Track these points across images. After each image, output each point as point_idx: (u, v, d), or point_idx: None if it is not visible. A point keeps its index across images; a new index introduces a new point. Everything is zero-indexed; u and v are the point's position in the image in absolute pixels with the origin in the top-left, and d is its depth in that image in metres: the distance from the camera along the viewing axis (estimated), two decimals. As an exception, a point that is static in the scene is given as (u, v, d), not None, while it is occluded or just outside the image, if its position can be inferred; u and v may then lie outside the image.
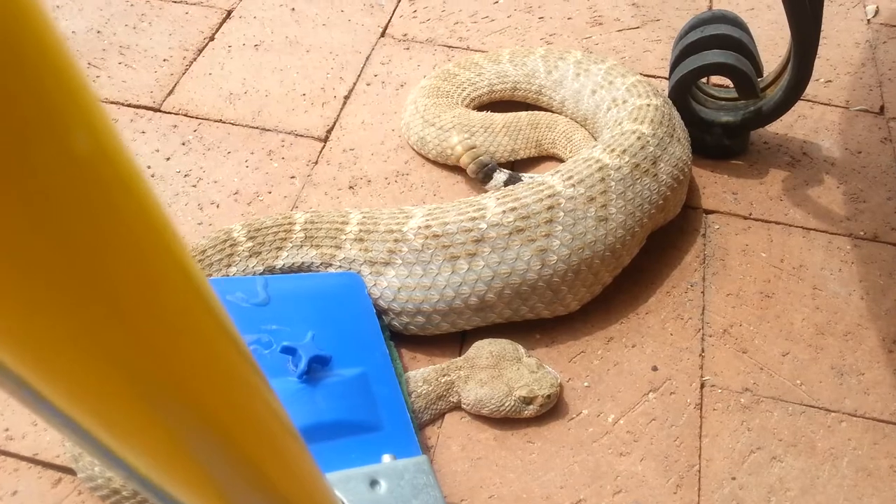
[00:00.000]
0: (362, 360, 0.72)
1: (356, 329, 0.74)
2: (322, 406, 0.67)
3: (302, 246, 0.78)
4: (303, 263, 0.78)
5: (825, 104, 1.08)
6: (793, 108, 0.94)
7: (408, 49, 1.12)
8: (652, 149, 0.82)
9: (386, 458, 0.65)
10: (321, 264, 0.78)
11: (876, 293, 0.87)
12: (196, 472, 0.32)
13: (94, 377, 0.24)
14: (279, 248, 0.78)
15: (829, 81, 1.11)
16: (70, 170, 0.20)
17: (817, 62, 0.90)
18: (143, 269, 0.24)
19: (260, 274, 0.77)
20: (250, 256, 0.77)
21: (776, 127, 1.03)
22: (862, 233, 0.92)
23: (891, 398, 0.78)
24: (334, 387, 0.68)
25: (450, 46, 1.12)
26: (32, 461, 0.71)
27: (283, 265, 0.78)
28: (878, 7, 1.22)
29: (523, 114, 0.97)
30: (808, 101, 1.08)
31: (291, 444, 0.38)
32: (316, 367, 0.68)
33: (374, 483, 0.61)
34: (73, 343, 0.22)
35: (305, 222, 0.79)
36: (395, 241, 0.76)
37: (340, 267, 0.77)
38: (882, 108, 1.08)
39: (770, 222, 0.93)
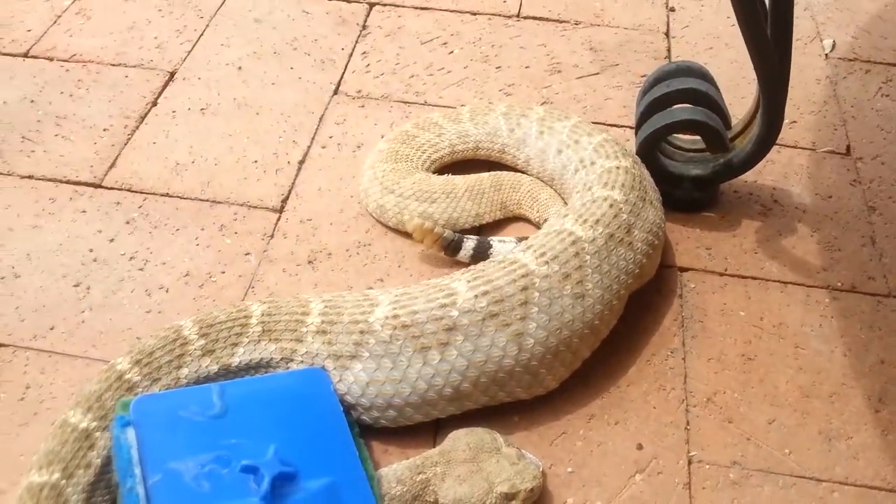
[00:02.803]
0: (331, 467, 0.66)
1: (323, 432, 0.69)
2: (288, 528, 0.62)
3: (259, 341, 0.73)
4: (261, 360, 0.73)
5: (792, 147, 1.06)
6: (760, 153, 0.92)
7: (363, 107, 1.08)
8: (625, 216, 0.79)
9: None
10: (281, 360, 0.73)
11: (858, 348, 0.84)
12: None
13: None
14: (234, 345, 0.73)
15: (794, 122, 1.09)
16: None
17: (781, 104, 0.88)
18: None
19: (214, 374, 0.72)
20: (203, 356, 0.72)
21: (745, 174, 1.01)
22: (839, 284, 0.90)
23: (880, 462, 0.75)
24: None
25: (406, 102, 1.08)
26: None
27: (240, 363, 0.72)
28: (834, 41, 1.21)
29: (485, 175, 0.93)
30: (776, 144, 1.05)
31: None
32: (280, 485, 0.63)
33: None
34: None
35: (262, 314, 0.73)
36: (361, 332, 0.71)
37: (302, 362, 0.72)
38: (848, 147, 1.06)
39: (746, 278, 0.90)
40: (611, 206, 0.79)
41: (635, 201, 0.81)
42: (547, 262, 0.74)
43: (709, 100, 0.88)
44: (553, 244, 0.75)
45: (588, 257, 0.75)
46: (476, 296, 0.71)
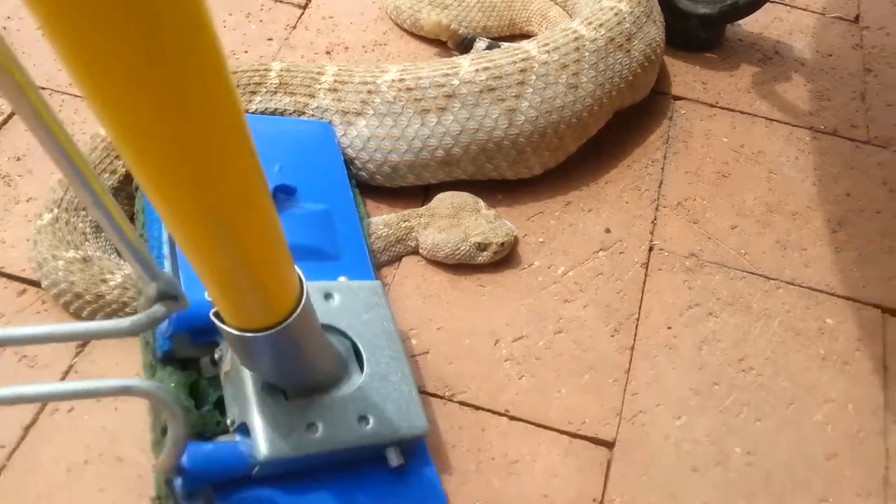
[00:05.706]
0: (328, 199, 0.75)
1: (325, 173, 0.77)
2: (285, 230, 0.70)
3: (276, 92, 0.81)
4: (276, 109, 0.81)
5: (802, 9, 1.10)
6: (770, 10, 0.97)
7: (397, -71, 1.13)
8: (628, 25, 0.85)
9: (342, 279, 0.69)
10: (294, 111, 0.81)
11: (828, 181, 0.90)
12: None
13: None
14: (253, 93, 0.81)
15: (809, -13, 1.13)
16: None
17: (794, -41, 0.92)
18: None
19: (235, 117, 0.80)
20: (227, 99, 0.80)
21: (752, 26, 1.06)
22: (822, 127, 0.96)
23: (827, 272, 0.82)
24: (298, 217, 0.72)
25: (439, -71, 1.14)
26: None
27: (256, 109, 0.81)
28: (866, -79, 1.23)
29: (499, -9, 0.99)
30: (786, 4, 1.10)
31: (268, 207, 0.46)
32: (281, 197, 0.72)
33: (328, 296, 0.65)
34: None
35: (281, 70, 0.81)
36: (369, 92, 0.78)
37: (313, 115, 0.80)
38: (857, 17, 1.10)
39: (735, 111, 0.96)
40: (616, 14, 0.85)
41: (639, 15, 0.87)
42: (548, 52, 0.80)
43: (720, -67, 0.92)
44: (557, 38, 0.81)
45: (587, 54, 0.82)
46: (477, 70, 0.78)
